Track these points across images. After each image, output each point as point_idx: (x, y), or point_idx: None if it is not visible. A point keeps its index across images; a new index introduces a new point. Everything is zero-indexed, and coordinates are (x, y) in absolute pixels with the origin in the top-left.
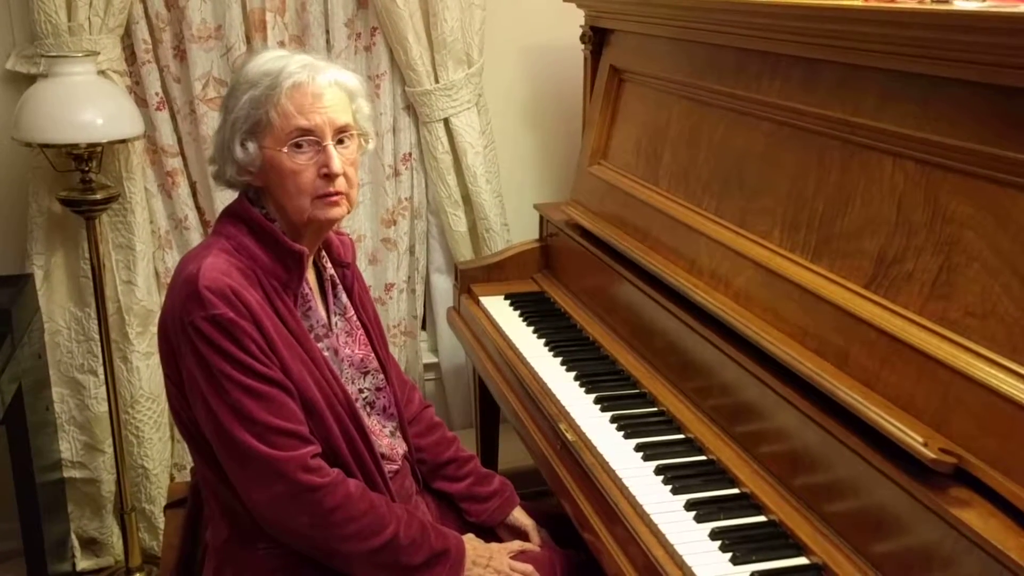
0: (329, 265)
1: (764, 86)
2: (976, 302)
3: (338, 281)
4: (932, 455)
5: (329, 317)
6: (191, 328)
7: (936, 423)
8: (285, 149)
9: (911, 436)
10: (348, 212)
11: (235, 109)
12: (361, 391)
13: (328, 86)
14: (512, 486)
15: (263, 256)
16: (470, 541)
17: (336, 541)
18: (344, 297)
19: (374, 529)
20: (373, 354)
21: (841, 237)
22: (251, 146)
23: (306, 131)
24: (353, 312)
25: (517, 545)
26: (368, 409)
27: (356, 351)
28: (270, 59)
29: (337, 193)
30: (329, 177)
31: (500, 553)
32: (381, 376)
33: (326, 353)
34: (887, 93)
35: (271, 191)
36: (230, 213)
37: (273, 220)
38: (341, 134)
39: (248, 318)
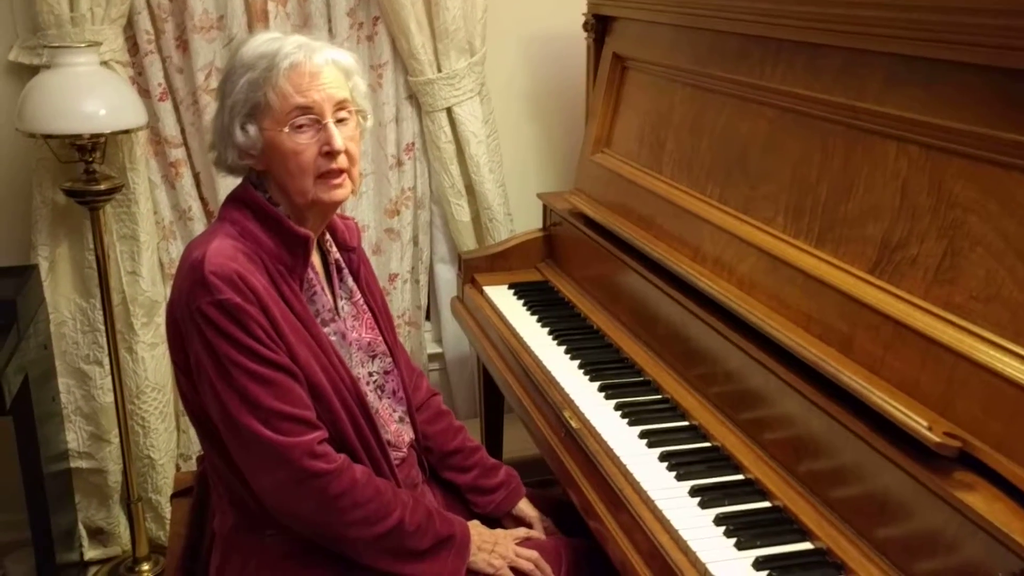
0: (334, 249)
1: (767, 72)
2: (980, 286)
3: (343, 265)
4: (936, 439)
5: (335, 301)
6: (198, 313)
7: (941, 407)
8: (286, 129)
9: (915, 420)
10: (352, 192)
11: (233, 93)
12: (371, 374)
13: (325, 64)
14: (518, 477)
15: (268, 241)
16: (475, 527)
17: (342, 527)
18: (350, 281)
19: (380, 515)
20: (381, 337)
21: (845, 223)
22: (251, 129)
23: (305, 109)
24: (360, 296)
25: (523, 532)
26: (379, 392)
27: (363, 334)
28: (264, 41)
29: (340, 171)
30: (331, 155)
31: (505, 539)
32: (389, 359)
33: (333, 338)
34: (891, 77)
35: (273, 174)
36: (234, 199)
37: (277, 205)
38: (340, 110)
39: (254, 303)
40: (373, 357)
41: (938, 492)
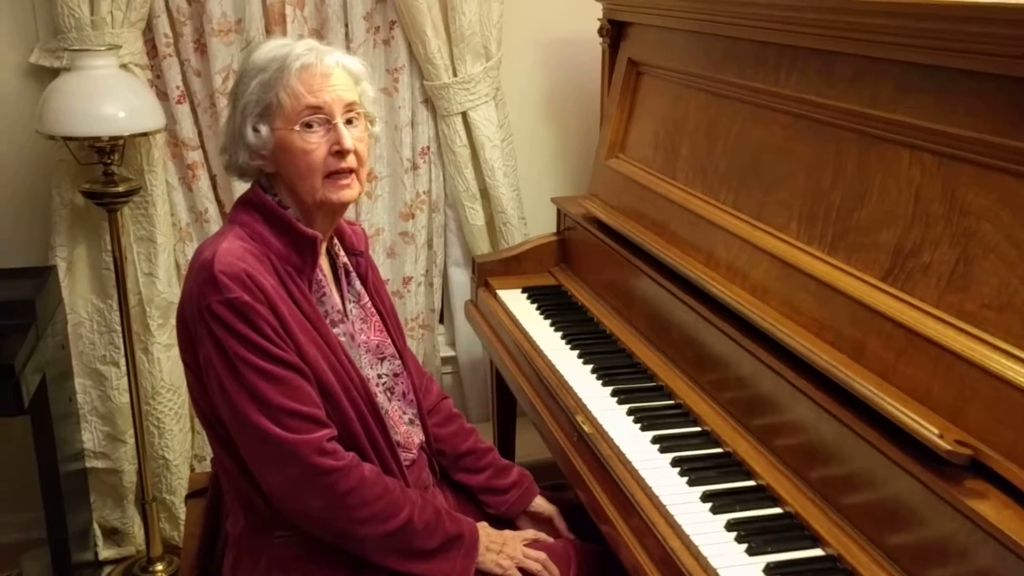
0: (342, 253)
1: (781, 79)
2: (993, 294)
3: (351, 269)
4: (947, 446)
5: (344, 303)
6: (207, 312)
7: (952, 415)
8: (297, 128)
9: (927, 428)
10: (359, 193)
11: (245, 95)
12: (380, 376)
13: (335, 66)
14: (531, 477)
15: (277, 242)
16: (484, 528)
17: (350, 524)
18: (358, 284)
19: (388, 513)
20: (389, 340)
21: (858, 230)
22: (263, 129)
23: (316, 108)
24: (368, 299)
25: (531, 534)
26: (388, 395)
27: (372, 337)
28: (275, 46)
29: (349, 171)
30: (341, 154)
31: (513, 540)
32: (398, 362)
33: (342, 338)
34: (904, 85)
35: (283, 174)
36: (244, 201)
37: (286, 207)
38: (349, 112)
39: (263, 302)
40: (382, 359)
41: (949, 500)
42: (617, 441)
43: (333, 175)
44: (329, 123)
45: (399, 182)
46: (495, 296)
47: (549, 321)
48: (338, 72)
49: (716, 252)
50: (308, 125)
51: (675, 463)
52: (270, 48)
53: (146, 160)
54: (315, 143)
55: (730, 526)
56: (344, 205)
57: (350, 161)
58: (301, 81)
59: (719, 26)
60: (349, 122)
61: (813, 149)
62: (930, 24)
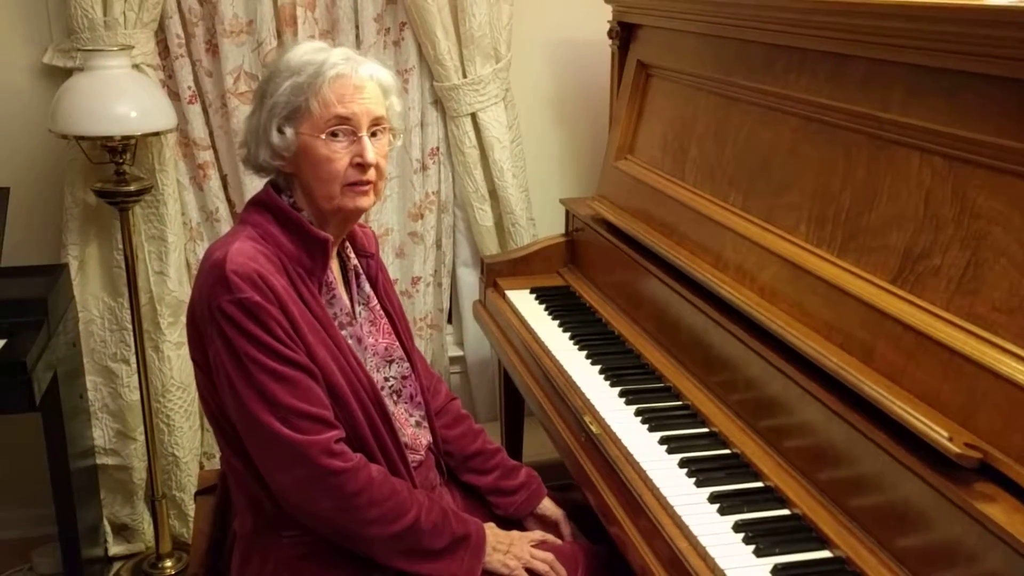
0: (353, 256)
1: (791, 81)
2: (1003, 297)
3: (361, 271)
4: (957, 450)
5: (353, 306)
6: (218, 312)
7: (962, 418)
8: (322, 136)
9: (936, 431)
10: (374, 203)
11: (275, 94)
12: (387, 379)
13: (368, 79)
14: (539, 478)
15: (288, 244)
16: (490, 528)
17: (358, 525)
18: (367, 287)
19: (396, 514)
20: (398, 343)
21: (868, 232)
22: (288, 131)
23: (344, 119)
24: (377, 302)
25: (539, 535)
26: (395, 397)
27: (380, 340)
28: (311, 50)
29: (368, 182)
30: (362, 166)
31: (520, 541)
32: (406, 364)
33: (350, 341)
34: (915, 88)
35: (301, 178)
36: (256, 202)
37: (300, 210)
38: (375, 127)
39: (274, 302)
40: (390, 362)
41: (958, 503)
42: (625, 442)
43: (352, 184)
44: (355, 134)
45: (408, 182)
46: (503, 296)
47: (557, 322)
48: (371, 85)
49: (725, 254)
50: (334, 134)
51: (683, 464)
52: (306, 51)
53: (157, 160)
54: (339, 153)
55: (738, 527)
56: (359, 212)
57: (370, 174)
58: (333, 90)
59: (729, 28)
60: (374, 135)
61: (823, 152)
62: (941, 27)
